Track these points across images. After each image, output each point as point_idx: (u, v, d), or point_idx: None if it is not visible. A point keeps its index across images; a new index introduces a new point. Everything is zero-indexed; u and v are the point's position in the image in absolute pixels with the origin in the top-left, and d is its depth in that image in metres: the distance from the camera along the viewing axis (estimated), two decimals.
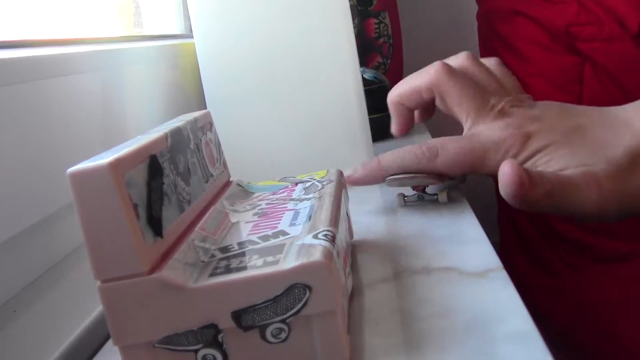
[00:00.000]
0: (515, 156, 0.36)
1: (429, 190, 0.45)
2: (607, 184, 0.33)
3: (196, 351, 0.23)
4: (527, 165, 0.35)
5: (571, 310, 0.70)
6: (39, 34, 0.46)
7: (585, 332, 0.69)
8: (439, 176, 0.40)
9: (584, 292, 0.69)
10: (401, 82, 0.43)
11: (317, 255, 0.23)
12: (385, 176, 0.41)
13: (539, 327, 0.25)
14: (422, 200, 0.44)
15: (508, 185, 0.32)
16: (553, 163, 0.35)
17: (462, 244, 0.35)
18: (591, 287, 0.69)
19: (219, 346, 0.23)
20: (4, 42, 0.37)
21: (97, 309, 0.35)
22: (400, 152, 0.40)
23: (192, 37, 0.54)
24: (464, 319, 0.26)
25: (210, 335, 0.23)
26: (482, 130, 0.38)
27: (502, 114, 0.38)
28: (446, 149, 0.38)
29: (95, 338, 0.33)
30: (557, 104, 0.39)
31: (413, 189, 0.45)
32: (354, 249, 0.37)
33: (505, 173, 0.32)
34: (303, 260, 0.23)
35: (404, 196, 0.44)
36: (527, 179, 0.32)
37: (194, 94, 0.61)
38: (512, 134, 0.36)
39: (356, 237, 0.38)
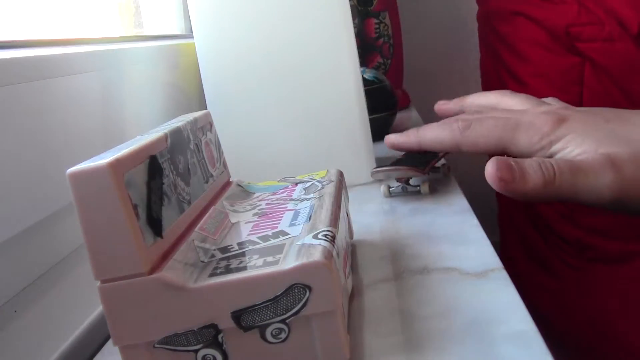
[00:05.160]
0: (544, 136, 0.36)
1: (412, 182, 0.47)
2: (629, 170, 0.32)
3: (196, 351, 0.23)
4: (555, 148, 0.35)
5: (571, 310, 0.70)
6: (39, 34, 0.46)
7: (585, 332, 0.69)
8: (421, 169, 0.44)
9: (584, 292, 0.69)
10: (418, 130, 0.43)
11: (317, 256, 0.23)
12: (421, 146, 0.43)
13: (539, 327, 0.25)
14: (406, 191, 0.47)
15: (492, 182, 0.32)
16: (577, 149, 0.34)
17: (462, 244, 0.35)
18: (591, 287, 0.69)
19: (219, 346, 0.23)
20: (4, 42, 0.37)
21: (97, 309, 0.35)
22: (439, 125, 0.41)
23: (192, 37, 0.54)
24: (464, 319, 0.26)
25: (210, 335, 0.23)
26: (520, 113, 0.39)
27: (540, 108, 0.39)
28: (480, 122, 0.38)
29: (95, 338, 0.33)
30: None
31: (397, 181, 0.47)
32: (354, 249, 0.37)
33: (487, 172, 0.32)
34: (303, 260, 0.23)
35: (389, 187, 0.48)
36: (513, 174, 0.32)
37: (194, 94, 0.61)
38: (546, 116, 0.37)
39: (356, 237, 0.38)
